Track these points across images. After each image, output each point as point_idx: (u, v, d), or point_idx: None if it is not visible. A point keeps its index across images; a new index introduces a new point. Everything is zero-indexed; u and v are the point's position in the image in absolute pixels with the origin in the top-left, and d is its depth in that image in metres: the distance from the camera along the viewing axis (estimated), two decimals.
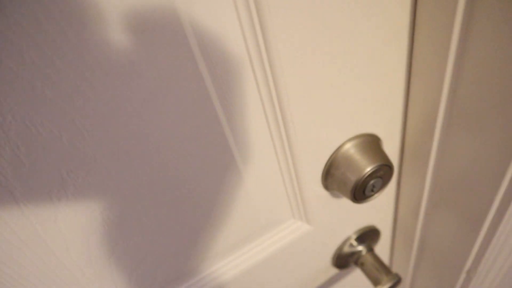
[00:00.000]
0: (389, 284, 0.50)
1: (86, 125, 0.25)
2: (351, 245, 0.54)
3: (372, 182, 0.40)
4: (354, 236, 0.53)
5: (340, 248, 0.53)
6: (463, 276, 0.53)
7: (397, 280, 0.51)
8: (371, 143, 0.41)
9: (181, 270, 0.40)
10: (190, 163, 0.32)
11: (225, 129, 0.32)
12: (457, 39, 0.33)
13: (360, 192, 0.40)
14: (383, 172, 0.40)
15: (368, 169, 0.38)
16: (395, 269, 0.68)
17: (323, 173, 0.41)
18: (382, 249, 0.63)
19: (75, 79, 0.23)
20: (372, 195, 0.42)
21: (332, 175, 0.41)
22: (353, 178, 0.39)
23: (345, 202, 0.48)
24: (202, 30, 0.25)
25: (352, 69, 0.34)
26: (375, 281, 0.52)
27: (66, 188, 0.27)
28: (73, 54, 0.22)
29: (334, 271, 0.59)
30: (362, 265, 0.55)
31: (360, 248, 0.55)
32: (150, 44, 0.24)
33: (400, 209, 0.56)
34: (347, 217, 0.50)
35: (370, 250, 0.55)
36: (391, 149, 0.46)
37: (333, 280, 0.61)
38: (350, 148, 0.40)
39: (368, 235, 0.55)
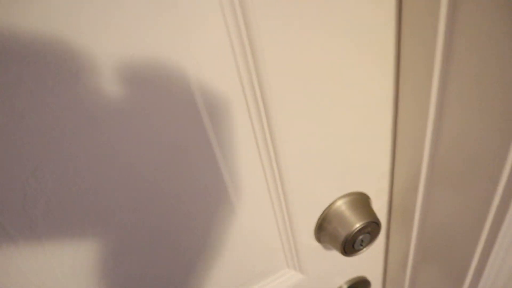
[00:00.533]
0: None
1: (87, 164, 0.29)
2: None
3: (361, 237, 0.43)
4: (345, 286, 0.55)
5: None
6: None
7: None
8: (361, 201, 0.45)
9: None
10: (188, 208, 0.35)
11: (228, 183, 0.35)
12: (435, 106, 0.37)
13: (350, 246, 0.43)
14: (371, 228, 0.44)
15: (357, 225, 0.42)
16: None
17: (316, 227, 0.45)
18: None
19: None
20: (361, 249, 0.45)
21: (324, 229, 0.44)
22: (343, 232, 0.42)
23: (337, 254, 0.51)
24: (207, 90, 0.30)
25: (344, 134, 0.39)
26: None
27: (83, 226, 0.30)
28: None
29: None
30: None
31: None
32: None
33: (390, 261, 0.59)
34: (338, 268, 0.53)
35: None
36: (380, 206, 0.50)
37: None
38: (341, 205, 0.44)
39: (359, 285, 0.57)
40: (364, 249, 0.45)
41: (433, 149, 0.41)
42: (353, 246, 0.44)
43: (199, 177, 0.33)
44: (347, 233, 0.42)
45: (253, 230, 0.41)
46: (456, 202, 0.42)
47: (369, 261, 0.57)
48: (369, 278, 0.59)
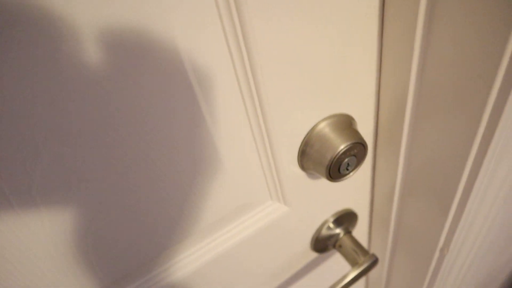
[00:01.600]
0: (366, 265, 0.51)
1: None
2: (329, 227, 0.54)
3: (346, 160, 0.41)
4: (332, 219, 0.54)
5: (318, 231, 0.54)
6: (437, 254, 0.54)
7: (374, 260, 0.52)
8: (345, 123, 0.42)
9: (156, 253, 0.40)
10: (168, 142, 0.32)
11: (203, 108, 0.32)
12: (421, 34, 0.35)
13: (335, 170, 0.41)
14: (357, 150, 0.41)
15: (342, 146, 0.39)
16: (373, 250, 0.69)
17: (299, 152, 0.42)
18: (360, 232, 0.64)
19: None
20: (347, 174, 0.43)
21: (307, 154, 0.42)
22: (328, 155, 0.40)
23: (322, 185, 0.49)
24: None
25: (325, 51, 0.35)
26: (353, 262, 0.53)
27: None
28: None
29: (313, 255, 0.60)
30: (340, 248, 0.56)
31: (338, 230, 0.56)
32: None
33: (376, 192, 0.57)
34: (324, 200, 0.51)
35: (348, 232, 0.56)
36: (365, 131, 0.47)
37: (313, 264, 0.62)
38: (324, 127, 0.41)
39: (346, 218, 0.56)
40: (351, 173, 0.43)
41: (420, 72, 0.38)
42: (338, 170, 0.41)
43: (176, 107, 0.29)
44: (331, 155, 0.39)
45: (234, 161, 0.38)
46: (442, 130, 0.40)
47: (355, 192, 0.55)
48: (356, 211, 0.58)
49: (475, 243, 0.57)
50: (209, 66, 0.30)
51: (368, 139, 0.48)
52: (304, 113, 0.39)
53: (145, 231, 0.37)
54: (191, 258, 0.44)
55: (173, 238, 0.40)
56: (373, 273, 0.77)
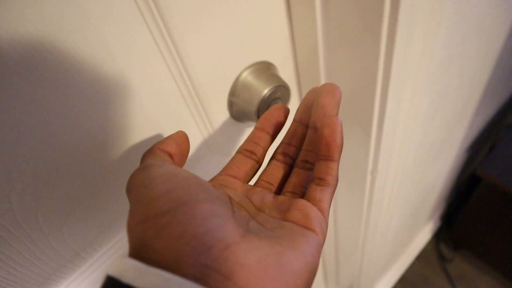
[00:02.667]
0: None
1: None
2: None
3: (272, 102, 0.44)
4: None
5: None
6: (369, 177, 0.61)
7: None
8: (266, 69, 0.45)
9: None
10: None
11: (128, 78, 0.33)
12: None
13: None
14: (281, 93, 0.45)
15: (266, 91, 0.42)
16: None
17: (228, 104, 0.45)
18: None
19: None
20: None
21: (236, 104, 0.44)
22: (254, 102, 0.42)
23: None
24: None
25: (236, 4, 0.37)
26: None
27: None
28: None
29: None
30: None
31: None
32: None
33: None
34: None
35: None
36: (288, 74, 0.50)
37: None
38: (247, 76, 0.43)
39: None
40: None
41: (325, 8, 0.41)
42: None
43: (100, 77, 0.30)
44: (257, 101, 0.42)
45: (167, 121, 0.40)
46: (353, 59, 0.44)
47: None
48: None
49: (399, 162, 0.64)
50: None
51: (292, 82, 0.52)
52: (226, 65, 0.41)
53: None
54: None
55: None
56: None
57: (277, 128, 0.34)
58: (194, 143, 0.45)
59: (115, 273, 0.20)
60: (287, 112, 0.35)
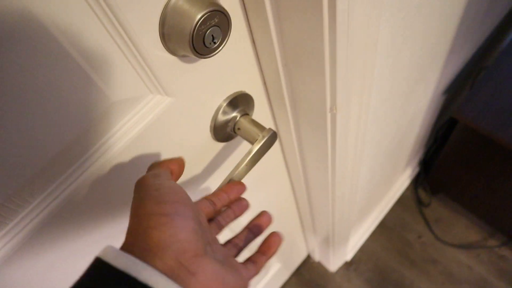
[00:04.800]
0: (264, 139, 0.53)
1: None
2: (224, 112, 0.55)
3: (208, 31, 0.39)
4: (225, 104, 0.54)
5: (214, 118, 0.55)
6: (329, 115, 0.58)
7: (272, 133, 0.54)
8: None
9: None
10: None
11: None
12: None
13: (200, 44, 0.40)
14: (218, 19, 0.40)
15: (199, 16, 0.37)
16: (280, 129, 0.72)
17: (160, 35, 0.40)
18: (262, 113, 0.66)
19: None
20: (216, 47, 0.42)
21: (168, 34, 0.40)
22: (186, 30, 0.38)
23: (202, 68, 0.48)
24: None
25: None
26: (253, 141, 0.55)
27: None
28: None
29: (219, 145, 0.61)
30: (239, 130, 0.57)
31: (234, 114, 0.57)
32: None
33: (265, 71, 0.58)
34: (210, 85, 0.51)
35: (245, 114, 0.58)
36: (230, 1, 0.45)
37: (223, 156, 0.64)
38: (177, 1, 0.38)
39: (240, 101, 0.57)
40: (220, 47, 0.42)
41: None
42: (204, 44, 0.40)
43: None
44: (190, 28, 0.38)
45: (89, 55, 0.35)
46: None
47: (243, 73, 0.55)
48: (250, 92, 0.58)
49: (362, 99, 0.61)
50: None
51: (236, 11, 0.47)
52: None
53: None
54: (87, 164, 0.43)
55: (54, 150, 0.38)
56: (287, 151, 0.82)
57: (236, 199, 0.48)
58: (128, 82, 0.41)
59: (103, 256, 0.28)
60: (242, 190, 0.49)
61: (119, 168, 0.46)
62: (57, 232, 0.45)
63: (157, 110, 0.46)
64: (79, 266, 0.49)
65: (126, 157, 0.46)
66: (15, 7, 0.28)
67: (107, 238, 0.53)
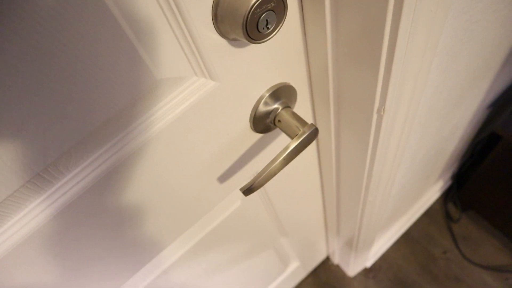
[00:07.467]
0: (305, 134, 0.51)
1: None
2: (266, 103, 0.53)
3: (263, 15, 0.38)
4: (267, 94, 0.52)
5: (255, 108, 0.53)
6: (375, 116, 0.55)
7: (314, 129, 0.52)
8: None
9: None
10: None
11: None
12: None
13: (254, 29, 0.38)
14: (275, 4, 0.38)
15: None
16: (319, 124, 0.70)
17: (212, 15, 0.38)
18: (303, 107, 0.64)
19: None
20: (269, 33, 0.40)
21: (221, 16, 0.38)
22: (241, 12, 0.36)
23: (251, 54, 0.46)
24: None
25: None
26: (294, 135, 0.53)
27: None
28: None
29: (257, 136, 0.59)
30: (279, 123, 0.55)
31: (276, 105, 0.55)
32: None
33: (312, 64, 0.56)
34: (256, 73, 0.49)
35: (287, 107, 0.55)
36: None
37: (259, 146, 0.62)
38: None
39: (283, 93, 0.55)
40: (274, 32, 0.40)
41: None
42: (257, 29, 0.38)
43: None
44: (245, 10, 0.36)
45: (141, 33, 0.34)
46: None
47: (289, 65, 0.53)
48: (294, 85, 0.56)
49: (411, 102, 0.57)
50: None
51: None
52: None
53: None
54: (126, 139, 0.42)
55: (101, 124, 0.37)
56: (322, 150, 0.79)
57: None
58: (174, 62, 0.40)
59: None
60: None
61: (156, 149, 0.45)
62: (91, 207, 0.45)
63: (199, 93, 0.44)
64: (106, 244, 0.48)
65: (163, 138, 0.45)
66: None
67: (134, 217, 0.52)
